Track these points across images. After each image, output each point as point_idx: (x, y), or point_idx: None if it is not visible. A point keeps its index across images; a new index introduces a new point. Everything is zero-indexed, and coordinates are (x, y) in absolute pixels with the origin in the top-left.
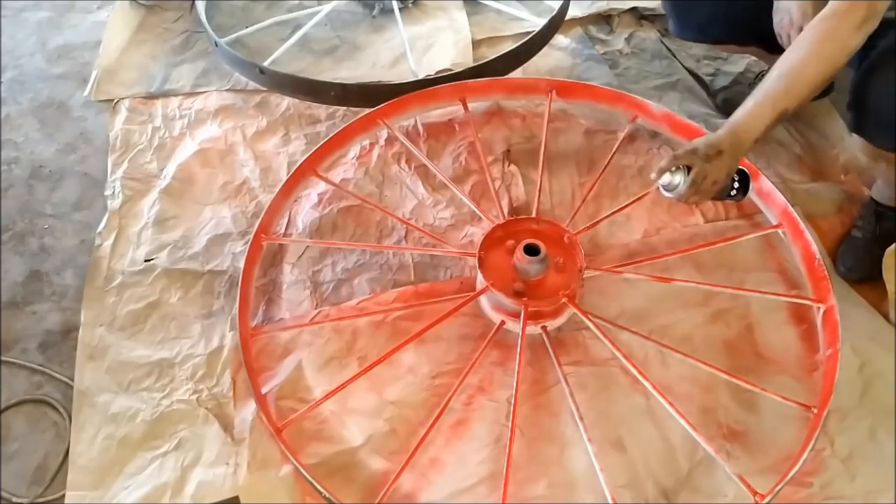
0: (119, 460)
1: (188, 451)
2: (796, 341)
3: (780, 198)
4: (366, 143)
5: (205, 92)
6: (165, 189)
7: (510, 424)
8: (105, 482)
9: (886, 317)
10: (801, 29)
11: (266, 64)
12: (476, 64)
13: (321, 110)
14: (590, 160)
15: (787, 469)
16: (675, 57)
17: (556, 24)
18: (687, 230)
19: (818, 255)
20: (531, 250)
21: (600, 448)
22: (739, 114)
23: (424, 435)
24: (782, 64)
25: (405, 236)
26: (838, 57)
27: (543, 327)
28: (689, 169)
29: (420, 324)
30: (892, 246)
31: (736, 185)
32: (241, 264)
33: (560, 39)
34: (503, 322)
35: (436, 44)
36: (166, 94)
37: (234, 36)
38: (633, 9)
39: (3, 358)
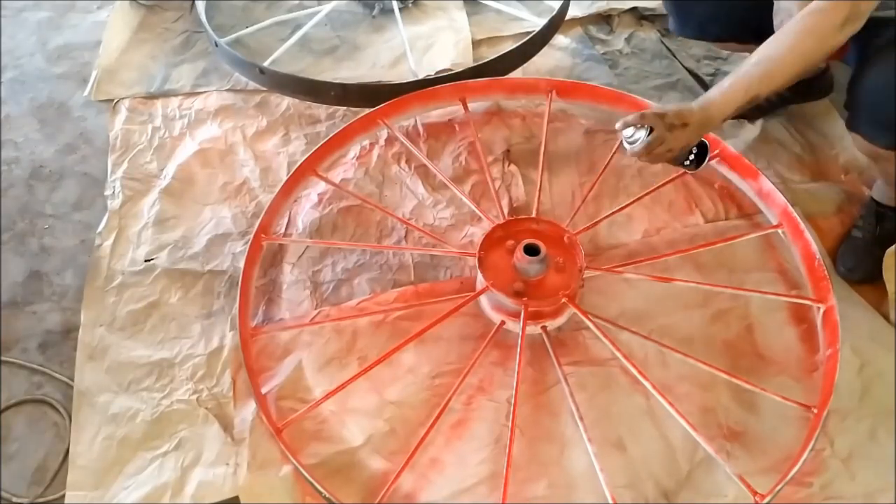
0: (119, 460)
1: (188, 451)
2: (796, 341)
3: (780, 198)
4: (366, 143)
5: (205, 92)
6: (165, 189)
7: (510, 424)
8: (105, 482)
9: (886, 317)
10: None
11: (266, 64)
12: (476, 64)
13: (321, 110)
14: (590, 160)
15: (787, 469)
16: (675, 57)
17: (556, 24)
18: (687, 230)
19: (818, 255)
20: (531, 250)
21: (600, 448)
22: (715, 92)
23: (424, 435)
24: (762, 51)
25: (405, 236)
26: (816, 53)
27: (543, 327)
28: (651, 130)
29: (420, 324)
30: (893, 247)
31: (692, 156)
32: (241, 264)
33: (560, 39)
34: (503, 322)
35: (436, 44)
36: (166, 94)
37: (234, 36)
38: (633, 9)
39: (3, 358)
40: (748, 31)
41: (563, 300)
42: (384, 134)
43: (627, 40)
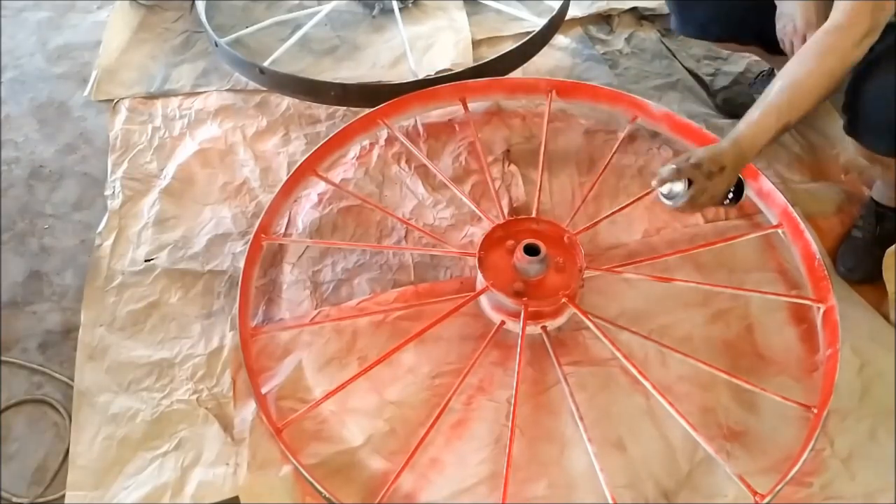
0: (119, 460)
1: (188, 451)
2: (796, 341)
3: (780, 198)
4: (366, 143)
5: (205, 92)
6: (165, 189)
7: (510, 424)
8: (105, 482)
9: (886, 317)
10: (804, 38)
11: (266, 64)
12: (476, 64)
13: (321, 110)
14: (590, 160)
15: (787, 469)
16: (675, 57)
17: (556, 24)
18: (687, 230)
19: (818, 255)
20: (531, 250)
21: (600, 448)
22: (743, 126)
23: (424, 435)
24: (785, 76)
25: (405, 236)
26: (839, 70)
27: (543, 327)
28: (689, 181)
29: (420, 324)
30: (893, 246)
31: (731, 193)
32: (241, 264)
33: (560, 39)
34: (503, 322)
35: (436, 44)
36: (166, 94)
37: (234, 36)
38: (633, 9)
39: (3, 358)
40: (749, 32)
41: (563, 300)
42: (384, 134)
43: (627, 40)
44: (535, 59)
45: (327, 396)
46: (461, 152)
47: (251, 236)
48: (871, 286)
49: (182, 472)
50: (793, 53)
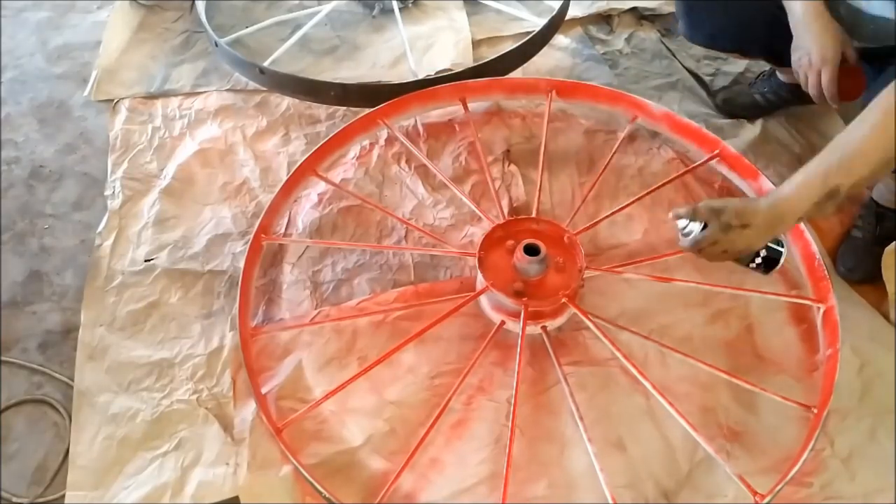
0: (119, 460)
1: (188, 451)
2: (796, 341)
3: None
4: (366, 143)
5: (205, 92)
6: (165, 189)
7: (510, 424)
8: (105, 482)
9: (886, 317)
10: (819, 73)
11: (266, 64)
12: (476, 64)
13: (321, 110)
14: (590, 160)
15: (787, 469)
16: (675, 57)
17: (556, 24)
18: None
19: (818, 255)
20: (531, 250)
21: (600, 448)
22: (786, 187)
23: (424, 435)
24: (840, 137)
25: (405, 236)
26: None
27: (543, 327)
28: (705, 225)
29: (420, 324)
30: (892, 244)
31: (759, 259)
32: (241, 264)
33: (560, 39)
34: (503, 322)
35: (436, 44)
36: (166, 94)
37: (234, 36)
38: (633, 9)
39: (3, 358)
40: (757, 47)
41: (563, 300)
42: (384, 134)
43: (627, 40)
44: (535, 59)
45: (327, 396)
46: (461, 152)
47: (251, 236)
48: (871, 286)
49: (182, 472)
50: (807, 87)
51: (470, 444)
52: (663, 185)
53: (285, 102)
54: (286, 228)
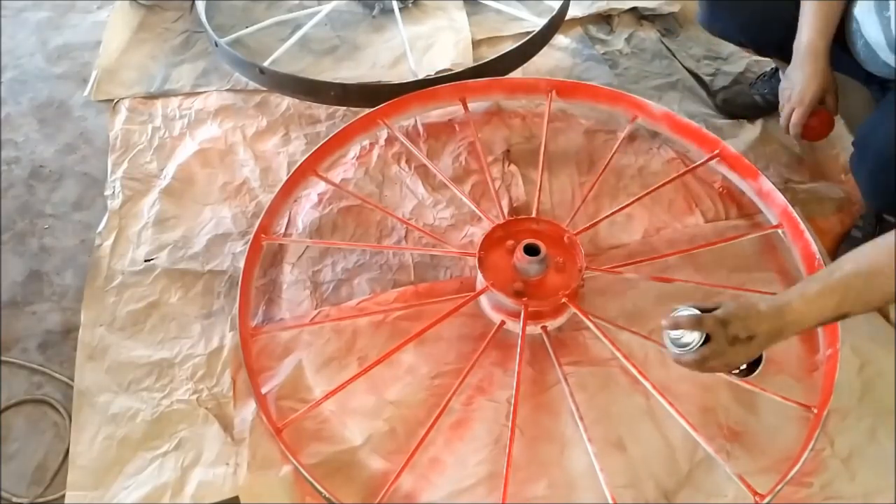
0: (119, 460)
1: (188, 451)
2: (796, 341)
3: (780, 198)
4: (366, 143)
5: (205, 92)
6: (165, 189)
7: (510, 424)
8: (105, 482)
9: (886, 317)
10: (791, 111)
11: (266, 64)
12: (476, 64)
13: (321, 110)
14: (590, 160)
15: (787, 469)
16: (675, 57)
17: (556, 24)
18: (687, 230)
19: (818, 255)
20: (531, 250)
21: (600, 448)
22: (796, 296)
23: (424, 435)
24: (863, 260)
25: (405, 236)
26: None
27: (543, 327)
28: (707, 336)
29: (420, 324)
30: None
31: (744, 365)
32: (241, 264)
33: (560, 39)
34: (503, 322)
35: (436, 44)
36: (166, 94)
37: (234, 36)
38: (633, 9)
39: (3, 358)
40: (772, 46)
41: (563, 300)
42: (384, 134)
43: (627, 40)
44: (535, 59)
45: (327, 396)
46: (461, 152)
47: (251, 236)
48: None
49: (182, 472)
50: (780, 116)
51: (470, 445)
52: (663, 185)
53: (285, 102)
54: (286, 228)
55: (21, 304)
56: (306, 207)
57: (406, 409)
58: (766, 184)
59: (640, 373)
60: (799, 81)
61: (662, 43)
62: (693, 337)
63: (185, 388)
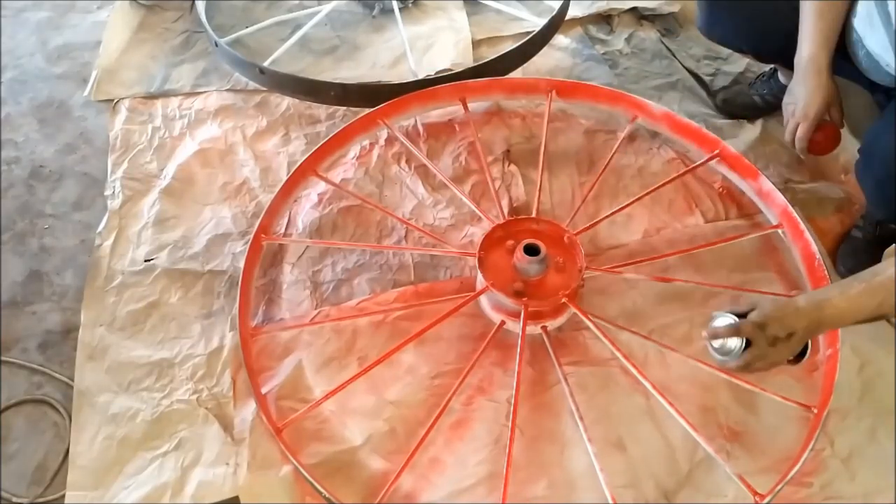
0: (119, 460)
1: (188, 451)
2: None
3: (780, 198)
4: (366, 143)
5: (205, 92)
6: (165, 189)
7: (510, 424)
8: (105, 482)
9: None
10: (796, 126)
11: (266, 64)
12: (476, 64)
13: (321, 110)
14: (590, 160)
15: (787, 469)
16: (675, 57)
17: (556, 24)
18: (687, 230)
19: (818, 255)
20: (531, 250)
21: (600, 448)
22: (836, 294)
23: (424, 435)
24: None
25: (405, 236)
26: None
27: (543, 327)
28: (748, 341)
29: (420, 324)
30: (892, 246)
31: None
32: (241, 264)
33: (560, 39)
34: (503, 322)
35: (436, 44)
36: (166, 94)
37: (234, 36)
38: (633, 9)
39: (3, 358)
40: (771, 53)
41: (563, 300)
42: (384, 134)
43: (627, 40)
44: (535, 59)
45: (327, 396)
46: (461, 152)
47: (251, 236)
48: None
49: (182, 472)
50: (782, 117)
51: (470, 445)
52: (663, 185)
53: (285, 102)
54: (286, 228)
55: (21, 304)
56: (306, 207)
57: (406, 409)
58: (766, 184)
59: (640, 373)
60: (802, 97)
61: (662, 43)
62: (735, 343)
63: (185, 388)
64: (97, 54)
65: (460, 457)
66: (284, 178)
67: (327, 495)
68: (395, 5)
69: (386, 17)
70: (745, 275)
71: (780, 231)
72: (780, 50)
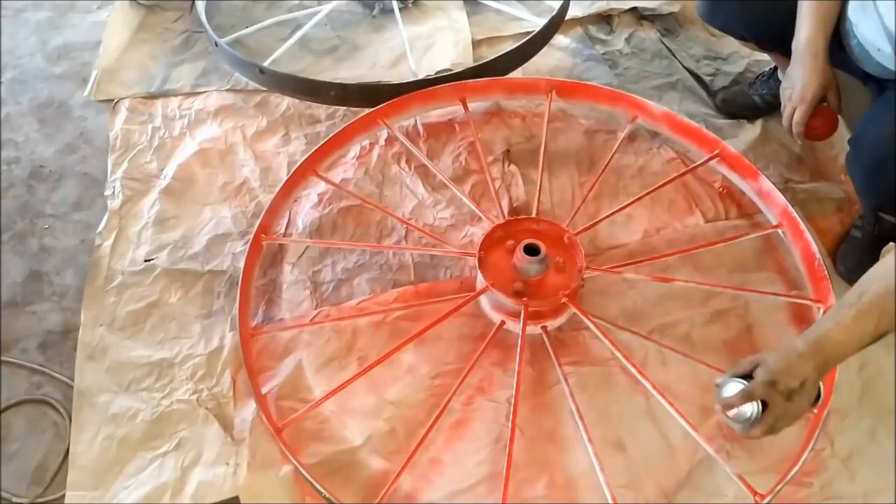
0: (119, 460)
1: (188, 451)
2: None
3: (780, 198)
4: (366, 143)
5: (205, 92)
6: (165, 189)
7: (510, 424)
8: (105, 482)
9: None
10: (793, 111)
11: (266, 64)
12: (476, 64)
13: (321, 110)
14: (590, 160)
15: (787, 469)
16: (675, 57)
17: (556, 24)
18: (687, 230)
19: (818, 255)
20: (531, 250)
21: (600, 448)
22: (831, 326)
23: (424, 435)
24: (891, 277)
25: (405, 236)
26: None
27: (543, 327)
28: (764, 403)
29: (420, 324)
30: (890, 244)
31: None
32: (241, 264)
33: (560, 39)
34: (503, 322)
35: (436, 44)
36: (166, 94)
37: (234, 36)
38: (633, 9)
39: (3, 358)
40: (772, 40)
41: (563, 300)
42: (384, 134)
43: (627, 40)
44: (535, 59)
45: (327, 396)
46: (461, 152)
47: (251, 236)
48: None
49: (182, 472)
50: (781, 116)
51: (470, 445)
52: (663, 185)
53: (285, 102)
54: (286, 228)
55: (21, 304)
56: (306, 207)
57: (406, 409)
58: (766, 184)
59: (640, 373)
60: (799, 79)
61: (662, 43)
62: (750, 408)
63: (185, 388)
64: (97, 54)
65: (460, 457)
66: (284, 178)
67: (327, 495)
68: (395, 5)
69: (386, 17)
70: (745, 275)
71: (780, 231)
72: (782, 36)
